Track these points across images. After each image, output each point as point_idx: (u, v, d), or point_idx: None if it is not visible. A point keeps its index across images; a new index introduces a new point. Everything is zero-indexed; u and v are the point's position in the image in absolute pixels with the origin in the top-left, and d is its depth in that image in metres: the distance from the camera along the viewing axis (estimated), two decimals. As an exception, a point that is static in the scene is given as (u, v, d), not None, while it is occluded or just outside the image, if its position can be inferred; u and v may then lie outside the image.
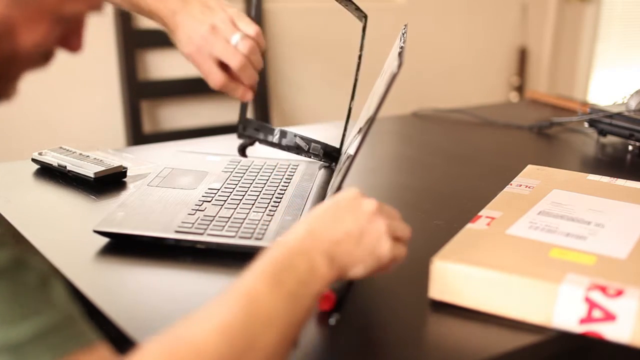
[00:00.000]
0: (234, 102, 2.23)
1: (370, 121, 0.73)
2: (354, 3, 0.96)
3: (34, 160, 1.02)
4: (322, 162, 1.03)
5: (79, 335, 0.45)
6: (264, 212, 0.85)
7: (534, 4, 2.84)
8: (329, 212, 0.63)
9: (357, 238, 0.62)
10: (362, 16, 0.96)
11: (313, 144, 1.01)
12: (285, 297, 0.54)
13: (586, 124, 1.30)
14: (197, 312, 0.51)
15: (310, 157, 1.01)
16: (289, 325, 0.53)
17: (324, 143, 1.02)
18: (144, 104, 2.03)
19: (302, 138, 0.99)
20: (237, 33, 0.82)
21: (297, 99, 2.34)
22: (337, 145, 1.05)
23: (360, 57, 0.98)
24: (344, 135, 1.05)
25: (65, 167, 0.98)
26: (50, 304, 0.45)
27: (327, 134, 1.34)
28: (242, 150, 0.92)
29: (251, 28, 0.84)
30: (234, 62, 0.83)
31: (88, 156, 1.02)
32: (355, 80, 1.02)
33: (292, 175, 0.98)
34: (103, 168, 0.96)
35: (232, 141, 1.29)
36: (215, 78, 0.83)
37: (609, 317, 0.63)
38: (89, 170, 0.96)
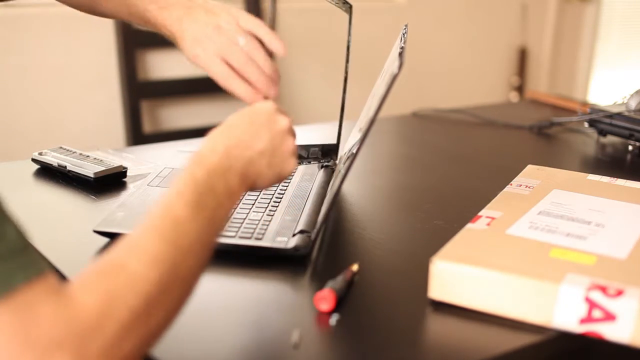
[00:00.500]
0: (234, 102, 2.23)
1: (371, 121, 0.73)
2: None
3: (34, 160, 1.02)
4: (323, 162, 1.03)
5: (28, 266, 0.45)
6: (264, 212, 0.85)
7: (534, 4, 2.84)
8: (245, 128, 0.66)
9: (269, 158, 0.67)
10: (348, 7, 0.97)
11: (312, 149, 1.01)
12: (205, 222, 0.56)
13: (586, 124, 1.30)
14: (130, 236, 0.52)
15: (310, 162, 1.01)
16: (206, 250, 0.56)
17: (320, 144, 1.03)
18: (144, 104, 2.03)
19: (301, 146, 0.99)
20: (242, 36, 0.84)
21: (297, 98, 2.34)
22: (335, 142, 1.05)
23: (348, 47, 0.98)
24: (339, 130, 1.05)
25: (65, 167, 0.98)
26: None
27: (327, 133, 1.34)
28: None
29: (252, 23, 0.85)
30: (234, 58, 0.83)
31: (88, 156, 1.02)
32: (346, 72, 1.02)
33: (292, 175, 0.98)
34: (103, 168, 0.96)
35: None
36: (219, 72, 0.84)
37: (609, 317, 0.63)
38: (89, 170, 0.96)
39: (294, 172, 0.71)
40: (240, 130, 0.66)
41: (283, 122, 0.69)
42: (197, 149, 0.63)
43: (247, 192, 0.67)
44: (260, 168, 0.66)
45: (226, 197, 0.60)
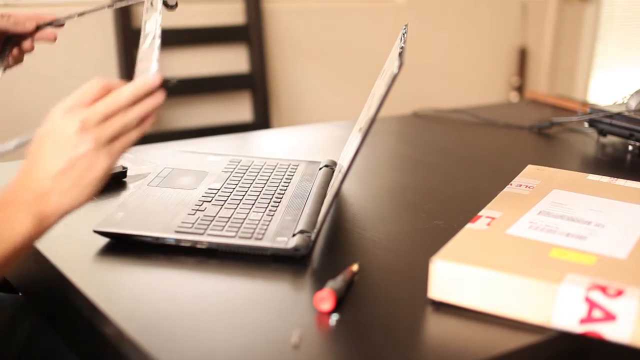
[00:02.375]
0: (233, 102, 2.23)
1: (371, 121, 0.73)
2: None
3: None
4: (323, 163, 1.03)
5: None
6: (264, 212, 0.85)
7: (534, 4, 2.84)
8: (31, 154, 0.63)
9: (67, 174, 0.62)
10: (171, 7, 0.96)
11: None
12: None
13: (586, 124, 1.30)
14: None
15: None
16: None
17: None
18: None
19: None
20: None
21: (297, 99, 2.34)
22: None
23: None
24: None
25: None
26: None
27: (327, 134, 1.34)
28: None
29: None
30: None
31: None
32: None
33: (292, 175, 0.98)
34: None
35: (232, 141, 1.29)
36: None
37: (609, 317, 0.63)
38: None
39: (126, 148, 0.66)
40: (27, 160, 0.63)
41: (72, 126, 0.63)
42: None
43: (56, 222, 0.63)
44: (60, 192, 0.62)
45: (5, 234, 0.60)
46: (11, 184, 0.63)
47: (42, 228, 0.62)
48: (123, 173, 0.98)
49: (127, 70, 1.94)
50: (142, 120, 0.66)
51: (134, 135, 0.65)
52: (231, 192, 0.91)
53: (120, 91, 0.65)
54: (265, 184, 0.95)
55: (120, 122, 0.64)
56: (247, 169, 1.00)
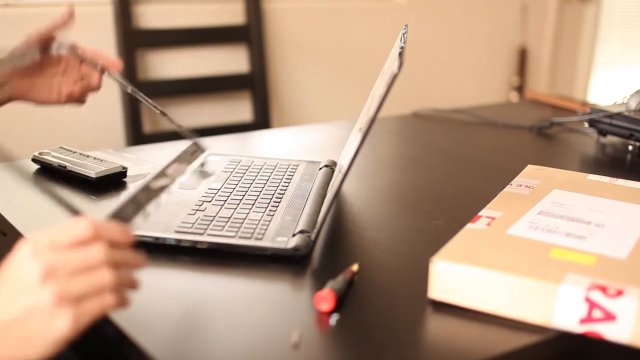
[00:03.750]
0: (233, 102, 2.23)
1: (371, 121, 0.73)
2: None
3: (34, 160, 1.02)
4: (323, 163, 1.03)
5: None
6: (264, 212, 0.85)
7: (534, 4, 2.84)
8: None
9: (19, 335, 0.50)
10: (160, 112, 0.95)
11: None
12: None
13: (586, 124, 1.30)
14: None
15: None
16: None
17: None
18: (144, 104, 2.03)
19: None
20: None
21: (297, 99, 2.34)
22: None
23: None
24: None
25: (65, 167, 0.98)
26: None
27: (327, 134, 1.35)
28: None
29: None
30: None
31: (88, 156, 1.02)
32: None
33: (292, 175, 0.98)
34: (103, 168, 0.96)
35: (232, 141, 1.29)
36: None
37: (609, 317, 0.63)
38: (90, 170, 0.96)
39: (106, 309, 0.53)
40: None
41: (32, 272, 0.50)
42: None
43: None
44: (7, 350, 0.51)
45: None
46: None
47: None
48: (123, 173, 0.98)
49: (127, 70, 1.94)
50: (124, 284, 0.55)
51: (111, 301, 0.53)
52: (231, 192, 0.91)
53: (107, 242, 0.53)
54: (265, 184, 0.95)
55: (96, 279, 0.52)
56: (247, 169, 1.00)
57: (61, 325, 0.51)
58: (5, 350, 0.51)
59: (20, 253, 0.52)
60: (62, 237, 0.53)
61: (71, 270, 0.51)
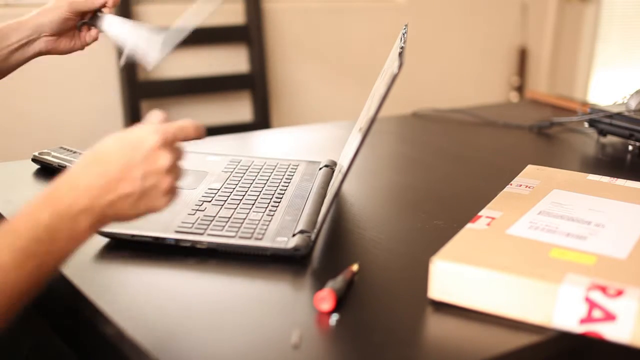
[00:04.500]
0: (234, 103, 2.23)
1: (371, 121, 0.73)
2: None
3: (34, 160, 1.02)
4: (323, 163, 1.03)
5: None
6: (264, 212, 0.85)
7: (534, 4, 2.84)
8: (116, 164, 0.61)
9: (136, 200, 0.62)
10: None
11: None
12: (32, 270, 0.56)
13: (586, 124, 1.30)
14: None
15: None
16: (24, 295, 0.56)
17: None
18: (144, 104, 2.03)
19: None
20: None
21: (297, 99, 2.34)
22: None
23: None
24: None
25: (66, 167, 0.98)
26: None
27: (327, 134, 1.35)
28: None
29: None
30: None
31: None
32: None
33: (292, 175, 0.98)
34: None
35: (232, 141, 1.29)
36: None
37: (609, 317, 0.63)
38: None
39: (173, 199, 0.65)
40: (110, 168, 0.61)
41: (163, 160, 0.62)
42: (58, 179, 0.60)
43: (98, 227, 0.62)
44: (122, 210, 0.62)
45: (69, 241, 0.58)
46: (85, 182, 0.60)
47: (95, 230, 0.62)
48: None
49: (127, 70, 1.95)
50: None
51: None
52: (231, 192, 0.91)
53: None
54: (265, 184, 0.95)
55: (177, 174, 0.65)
56: (247, 169, 1.00)
57: (157, 208, 0.63)
58: (114, 212, 0.61)
59: (152, 144, 0.62)
60: (180, 137, 0.65)
61: (177, 165, 0.64)
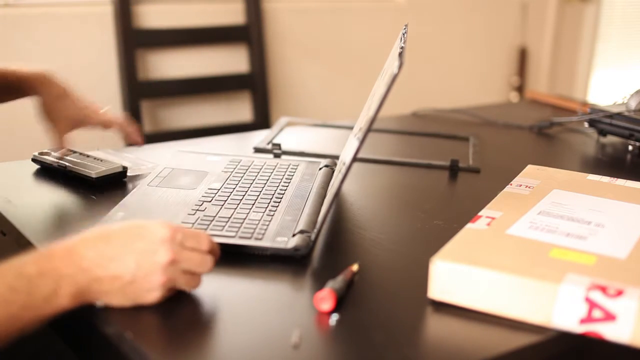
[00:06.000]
0: (234, 102, 2.23)
1: (371, 121, 0.73)
2: None
3: (34, 160, 1.02)
4: (324, 162, 1.03)
5: None
6: (264, 212, 0.85)
7: (534, 4, 2.84)
8: (116, 245, 0.62)
9: (126, 286, 0.62)
10: None
11: None
12: (4, 319, 0.56)
13: (586, 124, 1.30)
14: None
15: None
16: None
17: None
18: (144, 104, 2.03)
19: None
20: None
21: (297, 99, 2.34)
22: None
23: None
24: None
25: (65, 167, 0.98)
26: None
27: (328, 134, 1.34)
28: None
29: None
30: None
31: (88, 156, 1.02)
32: None
33: (292, 175, 0.98)
34: (104, 168, 0.96)
35: (232, 141, 1.29)
36: None
37: (609, 317, 0.63)
38: (90, 170, 0.96)
39: (191, 288, 0.67)
40: (109, 246, 0.62)
41: (163, 255, 0.63)
42: (60, 243, 0.62)
43: (82, 304, 0.62)
44: (109, 290, 0.62)
45: (46, 302, 0.59)
46: (80, 251, 0.61)
47: (78, 303, 0.62)
48: (123, 173, 0.98)
49: (127, 70, 1.94)
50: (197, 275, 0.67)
51: (194, 281, 0.67)
52: (231, 192, 0.91)
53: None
54: (265, 184, 0.95)
55: (197, 258, 0.66)
56: (247, 169, 1.00)
57: (147, 300, 0.64)
58: (99, 290, 0.62)
59: (158, 237, 0.63)
60: (191, 243, 0.66)
61: (186, 242, 0.65)
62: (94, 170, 0.96)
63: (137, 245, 0.63)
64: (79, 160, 1.00)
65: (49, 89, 1.00)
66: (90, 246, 0.62)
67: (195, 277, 0.66)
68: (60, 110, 1.00)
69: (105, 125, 1.06)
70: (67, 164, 0.98)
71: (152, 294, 0.64)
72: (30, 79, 1.00)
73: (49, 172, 1.01)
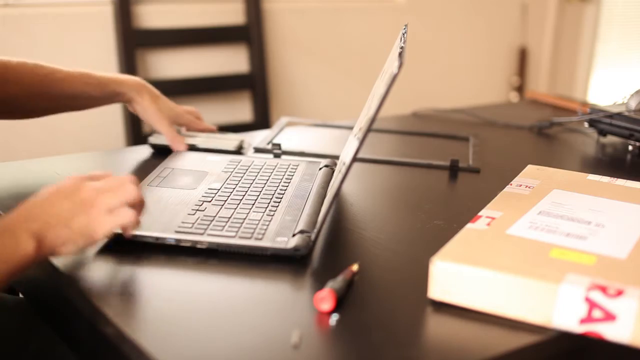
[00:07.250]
0: (234, 102, 2.23)
1: (371, 121, 0.73)
2: None
3: (150, 144, 1.14)
4: (324, 162, 1.03)
5: None
6: (264, 212, 0.85)
7: (534, 4, 2.84)
8: (46, 196, 0.71)
9: (67, 220, 0.69)
10: None
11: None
12: None
13: (586, 124, 1.30)
14: None
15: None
16: None
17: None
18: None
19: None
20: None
21: (297, 99, 2.34)
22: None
23: None
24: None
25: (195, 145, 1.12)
26: None
27: (328, 134, 1.34)
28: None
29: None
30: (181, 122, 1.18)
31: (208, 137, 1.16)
32: None
33: (292, 175, 0.98)
34: (236, 142, 1.13)
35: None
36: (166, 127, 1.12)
37: (609, 317, 0.63)
38: (225, 146, 1.12)
39: (128, 222, 0.72)
40: (41, 199, 0.70)
41: (86, 190, 0.71)
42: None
43: (49, 255, 0.69)
44: (58, 229, 0.68)
45: (10, 253, 0.65)
46: (13, 212, 0.69)
47: (42, 252, 0.68)
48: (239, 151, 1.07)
49: (127, 70, 1.95)
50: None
51: (130, 213, 0.72)
52: (231, 192, 0.91)
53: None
54: (265, 184, 0.95)
55: (113, 181, 0.74)
56: (247, 169, 1.00)
57: (99, 230, 0.70)
58: (48, 236, 0.68)
59: (74, 181, 0.72)
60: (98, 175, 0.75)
61: (109, 191, 0.72)
62: (231, 145, 1.12)
63: (62, 191, 0.71)
64: (208, 139, 1.14)
65: (147, 93, 1.12)
66: (29, 207, 0.70)
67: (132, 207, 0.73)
68: (162, 110, 1.12)
69: (194, 127, 1.19)
70: (197, 143, 1.12)
71: (97, 224, 0.70)
72: (129, 84, 1.11)
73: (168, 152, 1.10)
